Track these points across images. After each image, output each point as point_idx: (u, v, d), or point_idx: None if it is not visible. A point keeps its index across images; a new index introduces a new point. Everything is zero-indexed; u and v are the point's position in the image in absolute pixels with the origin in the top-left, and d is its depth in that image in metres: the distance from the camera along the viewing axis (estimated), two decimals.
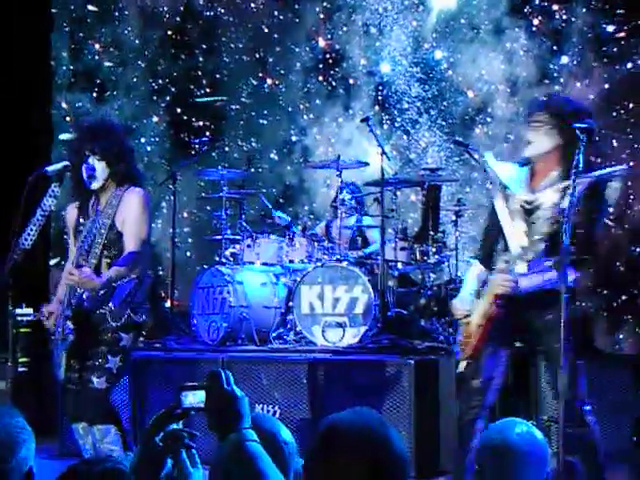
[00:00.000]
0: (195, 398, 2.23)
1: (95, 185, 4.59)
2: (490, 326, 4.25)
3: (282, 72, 8.95)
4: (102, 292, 4.43)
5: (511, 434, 2.68)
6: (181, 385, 2.21)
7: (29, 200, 4.30)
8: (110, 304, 4.46)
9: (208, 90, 9.09)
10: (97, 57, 9.24)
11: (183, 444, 2.21)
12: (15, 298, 4.06)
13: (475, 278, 4.46)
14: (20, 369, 3.98)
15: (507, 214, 4.32)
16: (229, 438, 2.10)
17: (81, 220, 4.65)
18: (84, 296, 4.46)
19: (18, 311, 4.06)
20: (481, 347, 4.27)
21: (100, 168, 4.59)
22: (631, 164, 7.19)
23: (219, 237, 7.26)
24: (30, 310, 4.11)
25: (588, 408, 4.12)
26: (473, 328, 4.31)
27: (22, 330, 4.06)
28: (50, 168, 4.49)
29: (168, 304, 7.49)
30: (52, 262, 8.71)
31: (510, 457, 2.66)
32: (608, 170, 4.29)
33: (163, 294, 8.12)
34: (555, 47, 8.08)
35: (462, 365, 4.36)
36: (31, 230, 4.19)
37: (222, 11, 9.04)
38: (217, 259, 7.22)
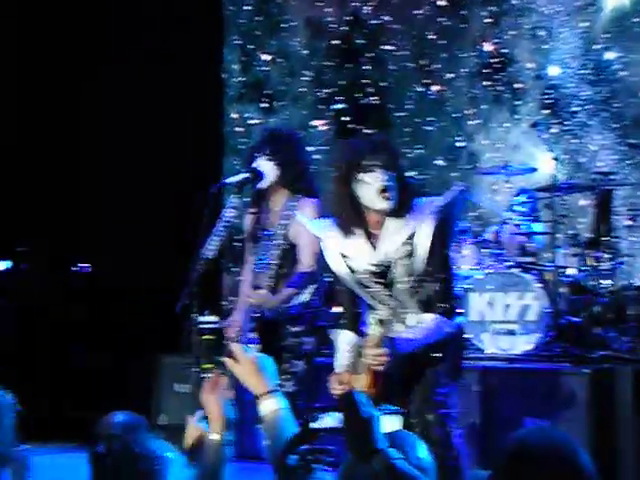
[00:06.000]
0: (331, 420, 2.28)
1: (262, 184, 4.64)
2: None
3: (448, 78, 8.92)
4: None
5: None
6: (315, 406, 2.27)
7: (210, 211, 4.46)
8: (291, 311, 4.58)
9: (374, 98, 9.15)
10: (266, 68, 9.47)
11: (319, 462, 2.27)
12: (199, 306, 4.21)
13: (349, 350, 4.03)
14: (203, 375, 4.12)
15: (355, 283, 3.99)
16: (376, 459, 2.15)
17: (255, 227, 4.77)
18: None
19: (201, 319, 4.20)
20: None
21: (268, 167, 4.62)
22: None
23: None
24: (213, 318, 4.25)
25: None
26: None
27: (205, 337, 4.20)
28: (229, 180, 4.63)
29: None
30: None
31: None
32: (451, 194, 3.86)
33: None
34: None
35: None
36: (212, 241, 4.33)
37: (387, 19, 9.09)
38: None
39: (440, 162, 8.98)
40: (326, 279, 4.76)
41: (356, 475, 2.17)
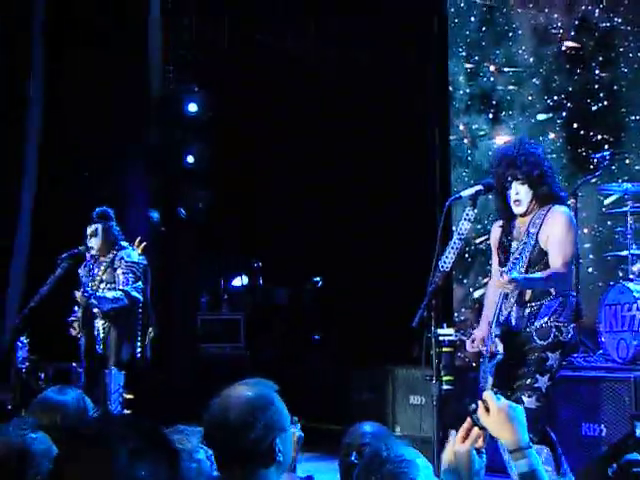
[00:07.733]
0: None
1: (520, 210, 4.72)
2: None
3: None
4: (528, 310, 4.54)
5: None
6: (634, 414, 2.19)
7: (444, 224, 4.50)
8: (536, 322, 4.55)
9: (605, 103, 8.87)
10: (492, 79, 9.38)
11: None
12: (436, 319, 4.23)
13: None
14: (444, 387, 4.14)
15: None
16: None
17: (503, 239, 4.80)
18: (512, 314, 4.59)
19: (440, 331, 4.23)
20: None
21: (524, 192, 4.70)
22: None
23: (624, 253, 7.09)
24: (450, 330, 4.27)
25: None
26: None
27: (444, 349, 4.22)
28: (464, 193, 4.66)
29: None
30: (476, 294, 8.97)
31: None
32: None
33: None
34: None
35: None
36: (449, 253, 4.35)
37: (619, 20, 8.79)
38: (621, 275, 7.07)
39: None
40: (574, 295, 4.73)
41: None
